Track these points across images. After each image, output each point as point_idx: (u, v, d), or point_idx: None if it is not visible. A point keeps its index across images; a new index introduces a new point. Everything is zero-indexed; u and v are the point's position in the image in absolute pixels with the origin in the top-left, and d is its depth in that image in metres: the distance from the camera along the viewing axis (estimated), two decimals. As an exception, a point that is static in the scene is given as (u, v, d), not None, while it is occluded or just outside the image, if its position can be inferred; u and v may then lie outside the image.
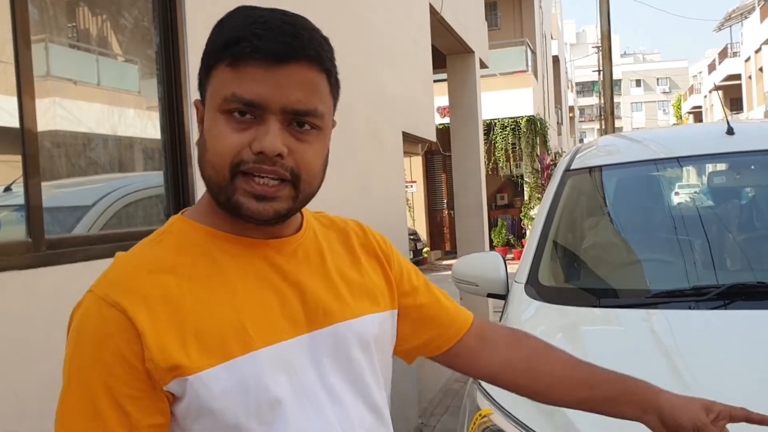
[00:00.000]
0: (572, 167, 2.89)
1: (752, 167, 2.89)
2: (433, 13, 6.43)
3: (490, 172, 15.85)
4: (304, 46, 0.85)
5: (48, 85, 2.11)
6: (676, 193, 3.15)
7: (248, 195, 0.85)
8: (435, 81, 7.20)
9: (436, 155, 16.98)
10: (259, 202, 0.85)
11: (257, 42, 0.82)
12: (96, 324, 0.83)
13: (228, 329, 0.85)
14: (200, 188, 2.50)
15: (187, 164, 2.47)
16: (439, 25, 6.79)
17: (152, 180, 2.50)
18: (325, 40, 0.90)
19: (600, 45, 13.57)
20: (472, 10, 8.39)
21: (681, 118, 55.86)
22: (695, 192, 3.18)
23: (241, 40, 0.83)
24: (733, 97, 40.02)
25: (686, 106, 54.44)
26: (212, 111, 0.87)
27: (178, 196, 2.46)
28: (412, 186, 16.02)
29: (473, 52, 8.19)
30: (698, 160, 2.93)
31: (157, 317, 0.83)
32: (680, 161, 2.82)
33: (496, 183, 17.51)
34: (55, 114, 2.15)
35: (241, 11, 0.88)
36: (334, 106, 0.94)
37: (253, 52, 0.82)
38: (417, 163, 16.73)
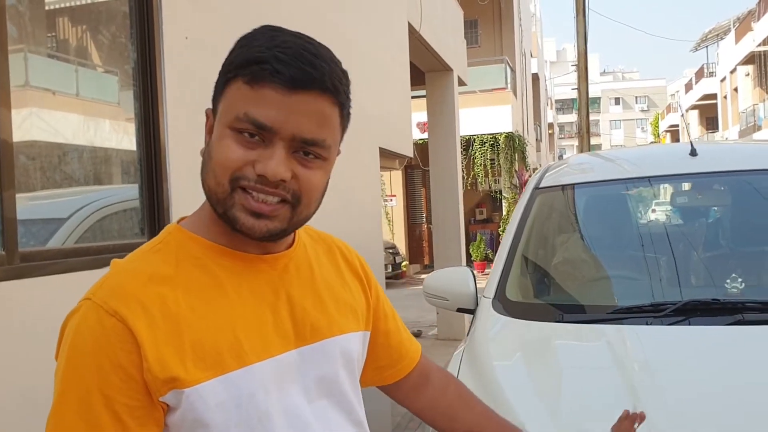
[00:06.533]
0: (541, 185, 2.97)
1: (713, 187, 2.98)
2: (412, 31, 6.53)
3: (469, 187, 15.98)
4: (323, 77, 0.85)
5: (25, 95, 2.13)
6: (640, 212, 3.23)
7: (245, 210, 0.86)
8: (414, 97, 7.30)
9: (416, 170, 17.09)
10: (254, 218, 0.86)
11: (278, 65, 0.83)
12: (94, 332, 0.82)
13: (223, 342, 0.86)
14: (175, 202, 2.54)
15: (162, 178, 2.51)
16: (417, 43, 6.90)
17: (127, 193, 2.53)
18: (344, 74, 0.91)
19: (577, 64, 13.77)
20: (451, 30, 8.52)
21: (659, 136, 56.60)
22: (658, 211, 3.26)
23: (263, 61, 0.84)
24: (709, 116, 40.70)
25: (664, 125, 55.18)
26: (222, 125, 0.87)
27: (152, 210, 2.50)
28: (391, 200, 16.09)
29: (452, 69, 8.31)
30: (661, 180, 3.01)
31: (156, 328, 0.83)
32: (643, 181, 2.91)
33: (475, 198, 17.66)
34: (31, 125, 2.17)
35: (267, 32, 0.88)
36: (341, 137, 0.95)
37: (273, 75, 0.83)
38: (397, 177, 16.82)
